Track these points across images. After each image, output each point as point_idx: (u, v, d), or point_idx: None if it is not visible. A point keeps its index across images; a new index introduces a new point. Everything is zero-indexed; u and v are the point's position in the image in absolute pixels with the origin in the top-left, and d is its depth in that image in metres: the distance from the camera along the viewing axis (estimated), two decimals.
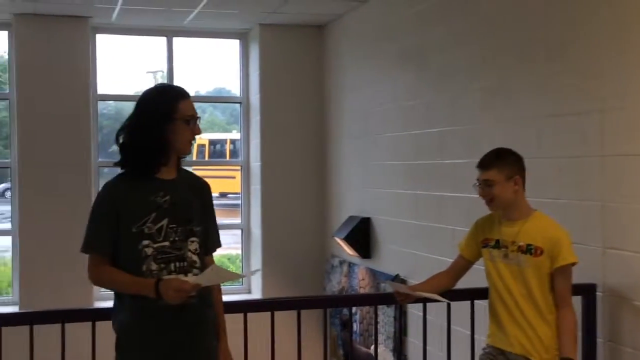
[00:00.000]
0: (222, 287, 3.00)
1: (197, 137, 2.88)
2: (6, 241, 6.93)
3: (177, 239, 2.75)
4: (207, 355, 2.85)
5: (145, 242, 2.71)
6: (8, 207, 7.04)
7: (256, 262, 7.39)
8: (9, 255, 7.03)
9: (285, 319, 3.52)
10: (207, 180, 2.99)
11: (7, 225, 6.97)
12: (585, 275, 3.57)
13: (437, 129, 5.07)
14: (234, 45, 7.57)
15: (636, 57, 3.33)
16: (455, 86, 4.86)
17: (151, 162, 2.77)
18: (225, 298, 3.03)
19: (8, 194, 7.67)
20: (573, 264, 3.17)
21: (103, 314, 3.11)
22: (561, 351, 3.10)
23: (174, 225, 2.75)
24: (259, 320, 3.49)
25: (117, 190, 2.77)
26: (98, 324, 3.18)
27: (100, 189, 2.86)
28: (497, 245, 3.29)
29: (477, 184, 3.28)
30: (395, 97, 5.71)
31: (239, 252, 7.84)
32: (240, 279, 7.62)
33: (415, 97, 5.39)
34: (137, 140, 2.77)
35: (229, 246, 10.24)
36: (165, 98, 2.78)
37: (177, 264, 2.73)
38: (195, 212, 2.83)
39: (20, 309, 6.48)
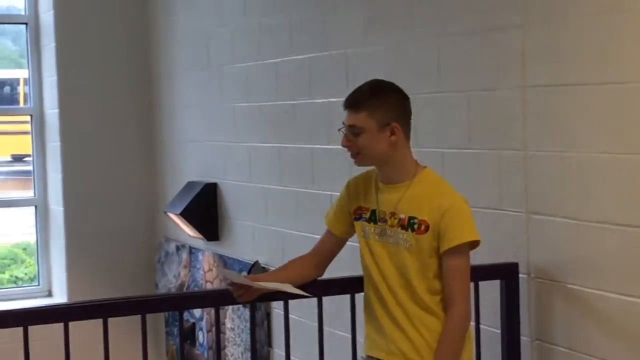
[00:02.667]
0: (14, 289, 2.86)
1: None
2: None
3: None
4: None
5: None
6: None
7: (58, 253, 7.27)
8: None
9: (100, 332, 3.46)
10: None
11: None
12: (504, 252, 3.66)
13: (306, 55, 5.06)
14: None
15: None
16: None
17: None
18: (11, 305, 2.91)
19: None
20: (472, 244, 3.19)
21: None
22: None
23: None
24: (59, 336, 3.34)
25: None
26: None
27: None
28: (373, 217, 3.28)
29: (342, 128, 3.26)
30: (246, 13, 5.67)
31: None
32: None
33: (274, 11, 5.36)
34: None
35: (25, 231, 9.95)
36: None
37: None
38: None
39: None
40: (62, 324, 3.32)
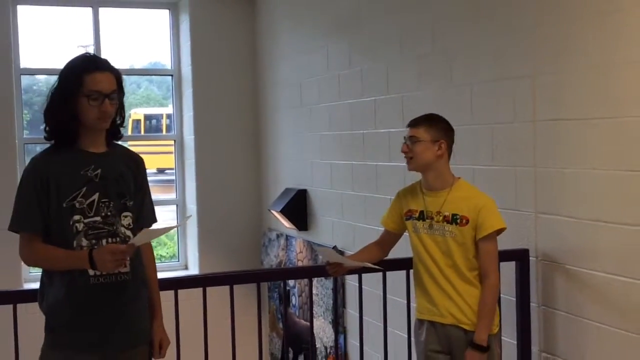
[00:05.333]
0: (159, 264, 2.93)
1: (133, 112, 2.80)
2: None
3: (109, 213, 2.69)
4: (142, 336, 2.79)
5: (77, 217, 2.64)
6: None
7: (192, 238, 7.32)
8: None
9: (224, 295, 3.48)
10: (143, 156, 2.93)
11: None
12: (518, 241, 3.63)
13: (372, 98, 5.04)
14: (163, 15, 7.40)
15: (566, 21, 3.35)
16: (390, 53, 4.83)
17: (69, 134, 2.70)
18: (158, 275, 2.96)
19: None
20: (499, 230, 3.18)
21: (26, 295, 3.01)
22: (475, 335, 3.12)
23: (105, 200, 2.69)
24: (196, 297, 3.42)
25: (45, 164, 2.68)
26: (22, 306, 3.06)
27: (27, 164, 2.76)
28: (422, 216, 3.27)
29: (404, 141, 3.27)
30: (329, 66, 5.67)
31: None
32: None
33: (350, 65, 5.35)
34: (52, 112, 2.71)
35: (166, 222, 10.11)
36: (74, 70, 2.69)
37: (110, 239, 2.68)
38: (128, 187, 2.77)
39: None
40: (201, 289, 3.38)
